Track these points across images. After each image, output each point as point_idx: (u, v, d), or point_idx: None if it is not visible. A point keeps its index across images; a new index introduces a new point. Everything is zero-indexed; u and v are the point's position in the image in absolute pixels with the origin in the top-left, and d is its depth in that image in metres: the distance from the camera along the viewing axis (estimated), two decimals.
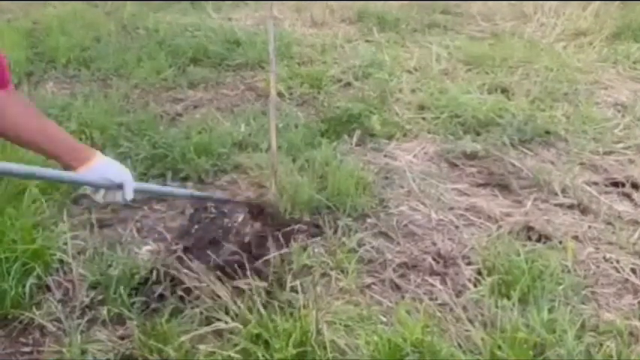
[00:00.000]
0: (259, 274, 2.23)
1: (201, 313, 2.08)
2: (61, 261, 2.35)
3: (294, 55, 4.60)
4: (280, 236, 2.45)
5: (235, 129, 3.46)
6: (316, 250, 2.45)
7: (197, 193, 2.57)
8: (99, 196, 1.63)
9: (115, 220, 2.68)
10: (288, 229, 2.52)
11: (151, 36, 4.93)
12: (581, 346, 1.95)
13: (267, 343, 1.93)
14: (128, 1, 5.69)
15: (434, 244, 2.55)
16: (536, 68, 4.42)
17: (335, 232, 2.54)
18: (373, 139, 3.46)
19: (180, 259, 2.30)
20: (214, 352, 1.94)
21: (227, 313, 2.07)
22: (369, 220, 2.68)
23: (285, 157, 3.06)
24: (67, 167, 1.54)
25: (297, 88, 4.05)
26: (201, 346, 1.96)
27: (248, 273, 2.20)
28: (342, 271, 2.31)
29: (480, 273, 2.34)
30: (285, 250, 2.37)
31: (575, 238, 2.59)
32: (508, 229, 2.60)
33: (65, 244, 2.40)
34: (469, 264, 2.41)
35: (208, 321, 2.05)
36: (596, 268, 2.43)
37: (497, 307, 2.11)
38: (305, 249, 2.41)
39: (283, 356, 1.88)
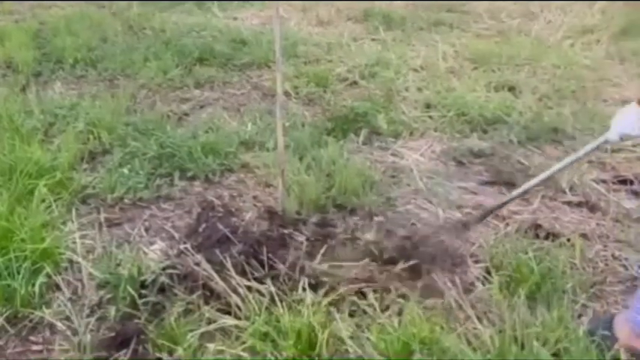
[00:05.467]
0: (267, 272, 2.23)
1: (209, 311, 2.09)
2: (71, 260, 2.36)
3: (300, 54, 4.61)
4: (287, 235, 2.46)
5: (242, 128, 3.47)
6: (323, 248, 2.45)
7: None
8: None
9: (124, 219, 2.69)
10: (296, 227, 2.52)
11: (158, 36, 4.95)
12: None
13: (275, 341, 1.94)
14: (134, 1, 5.70)
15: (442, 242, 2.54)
16: (543, 66, 4.41)
17: (343, 230, 2.54)
18: (380, 138, 3.46)
19: (188, 257, 2.31)
20: (223, 351, 1.95)
21: (235, 311, 2.07)
22: (376, 219, 2.68)
23: (292, 156, 3.06)
24: None
25: (303, 87, 4.05)
26: (210, 345, 1.96)
27: (255, 271, 2.21)
28: (350, 270, 2.30)
29: (488, 271, 2.34)
30: (292, 249, 2.37)
31: (584, 235, 2.59)
32: (516, 227, 2.60)
33: (74, 243, 2.42)
34: (477, 262, 2.41)
35: (217, 319, 2.06)
36: (604, 266, 2.43)
37: (505, 305, 2.10)
38: (312, 247, 2.41)
39: (291, 354, 1.89)
